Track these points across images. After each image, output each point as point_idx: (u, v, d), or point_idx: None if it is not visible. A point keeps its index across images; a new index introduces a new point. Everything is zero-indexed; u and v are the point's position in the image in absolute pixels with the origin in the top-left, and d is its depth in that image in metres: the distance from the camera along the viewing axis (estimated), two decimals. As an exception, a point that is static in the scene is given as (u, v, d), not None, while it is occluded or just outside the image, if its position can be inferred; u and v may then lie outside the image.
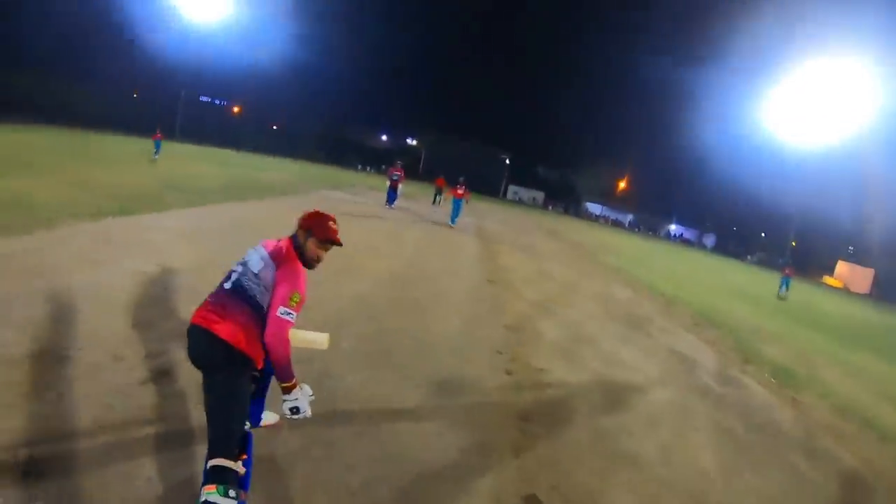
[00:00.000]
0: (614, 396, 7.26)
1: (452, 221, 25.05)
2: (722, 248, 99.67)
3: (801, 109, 63.35)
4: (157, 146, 30.39)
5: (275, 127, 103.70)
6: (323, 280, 8.72)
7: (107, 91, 72.35)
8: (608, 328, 11.21)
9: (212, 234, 11.93)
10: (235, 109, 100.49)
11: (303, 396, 3.62)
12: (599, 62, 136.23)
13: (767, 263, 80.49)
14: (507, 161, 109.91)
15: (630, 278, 20.74)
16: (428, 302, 9.90)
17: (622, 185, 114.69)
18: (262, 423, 4.39)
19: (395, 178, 27.46)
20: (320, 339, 4.22)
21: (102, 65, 72.52)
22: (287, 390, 3.54)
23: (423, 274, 12.43)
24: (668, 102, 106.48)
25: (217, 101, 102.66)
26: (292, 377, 3.53)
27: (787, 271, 30.75)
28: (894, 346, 20.30)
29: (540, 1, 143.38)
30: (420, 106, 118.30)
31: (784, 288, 30.05)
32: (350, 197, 29.44)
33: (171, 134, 54.79)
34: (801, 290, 39.12)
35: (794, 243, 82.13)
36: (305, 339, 4.15)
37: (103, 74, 72.67)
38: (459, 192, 25.89)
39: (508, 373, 7.14)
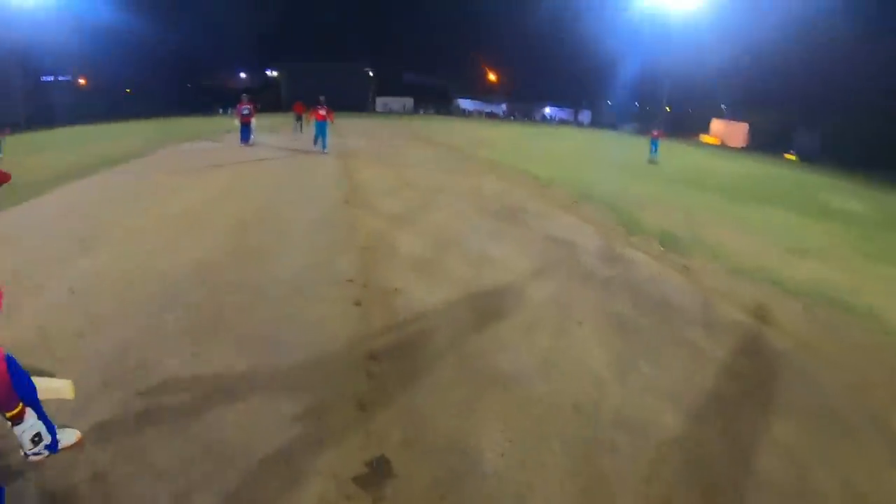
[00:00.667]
0: (483, 306, 6.30)
1: (324, 147, 22.91)
2: (598, 124, 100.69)
3: None
4: None
5: (128, 91, 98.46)
6: (156, 248, 7.66)
7: None
8: (476, 226, 10.30)
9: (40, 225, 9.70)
10: (82, 81, 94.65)
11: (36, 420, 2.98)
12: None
13: (644, 132, 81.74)
14: (371, 73, 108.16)
15: (502, 169, 19.85)
16: (273, 244, 8.54)
17: (492, 76, 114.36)
18: (60, 446, 3.43)
19: (245, 112, 25.15)
20: (64, 388, 3.63)
21: None
22: (16, 419, 2.90)
23: (272, 214, 10.90)
24: None
25: (60, 78, 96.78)
26: (17, 402, 2.89)
27: (654, 133, 29.93)
28: (780, 195, 20.00)
29: None
30: (274, 36, 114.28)
31: (654, 151, 29.25)
32: (208, 145, 26.81)
33: (16, 125, 49.47)
34: (678, 151, 39.51)
35: (668, 108, 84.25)
36: (48, 388, 3.51)
37: None
38: (321, 113, 23.24)
39: (357, 303, 6.14)
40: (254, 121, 25.54)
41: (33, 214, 10.26)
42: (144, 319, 5.56)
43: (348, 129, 38.24)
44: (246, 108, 25.10)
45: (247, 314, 5.79)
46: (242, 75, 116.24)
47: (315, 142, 23.33)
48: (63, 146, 25.73)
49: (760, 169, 33.11)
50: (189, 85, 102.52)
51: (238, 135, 25.54)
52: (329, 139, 23.55)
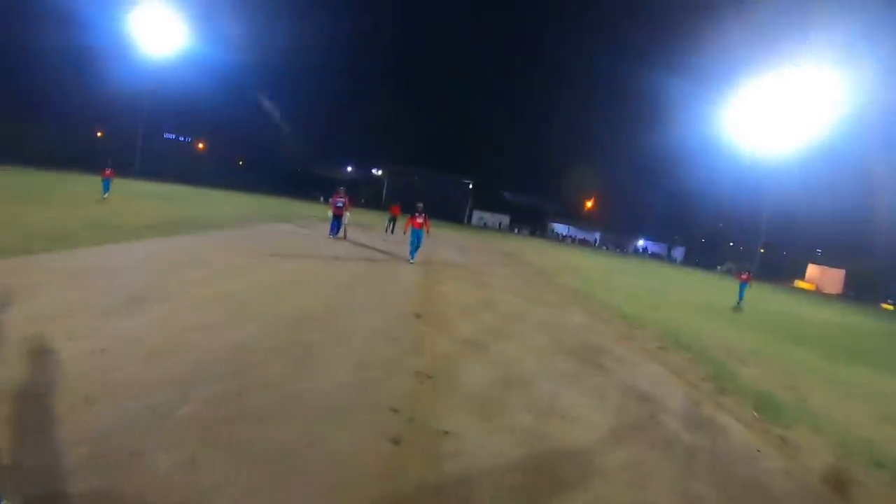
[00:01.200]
0: (542, 470, 5.32)
1: (412, 256, 21.29)
2: (691, 261, 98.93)
3: (763, 118, 64.20)
4: (106, 185, 27.68)
5: (241, 163, 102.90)
6: (200, 324, 7.36)
7: (62, 128, 71.10)
8: (551, 365, 9.37)
9: (102, 272, 10.03)
10: (200, 146, 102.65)
11: None
12: (560, 82, 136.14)
13: (737, 272, 79.85)
14: (471, 186, 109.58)
15: (588, 301, 18.97)
16: (324, 346, 7.90)
17: (588, 204, 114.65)
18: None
19: (338, 205, 25.34)
20: None
21: (56, 100, 71.46)
22: None
23: (336, 312, 10.41)
24: (631, 119, 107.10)
25: (181, 138, 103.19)
26: None
27: (743, 277, 28.10)
28: (884, 352, 18.52)
29: (498, 27, 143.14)
30: (385, 136, 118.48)
31: (740, 297, 27.33)
32: (295, 229, 27.26)
33: (129, 172, 55.77)
34: (771, 295, 37.79)
35: (762, 250, 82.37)
36: None
37: (56, 111, 71.53)
38: (418, 220, 21.52)
39: (396, 442, 5.25)
40: (347, 215, 25.66)
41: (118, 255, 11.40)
42: (158, 397, 5.10)
43: (441, 240, 38.42)
44: (340, 201, 25.29)
45: (265, 424, 5.11)
46: (349, 169, 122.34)
47: (412, 255, 21.39)
48: (163, 200, 26.76)
49: (858, 319, 31.32)
50: (299, 169, 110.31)
51: (329, 225, 25.71)
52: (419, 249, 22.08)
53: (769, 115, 64.16)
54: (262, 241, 19.61)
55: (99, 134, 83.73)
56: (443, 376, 7.56)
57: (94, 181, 28.98)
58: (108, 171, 27.78)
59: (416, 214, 21.54)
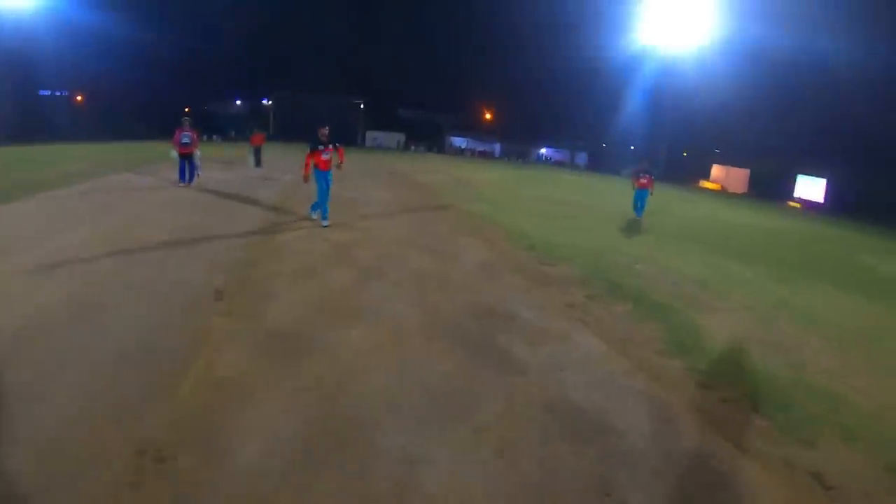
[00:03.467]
0: None
1: (322, 213, 13.70)
2: (595, 167, 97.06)
3: (660, 13, 62.58)
4: None
5: (125, 111, 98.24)
6: None
7: None
8: (420, 366, 5.69)
9: None
10: (78, 98, 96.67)
11: None
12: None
13: (634, 177, 79.16)
14: (362, 105, 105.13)
15: (484, 227, 15.21)
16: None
17: (487, 115, 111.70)
18: None
19: (184, 142, 19.75)
20: None
21: None
22: None
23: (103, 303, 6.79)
24: (522, 21, 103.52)
25: (58, 93, 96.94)
26: None
27: (641, 181, 20.65)
28: (820, 260, 16.36)
29: None
30: (270, 63, 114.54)
31: (639, 207, 20.47)
32: (135, 178, 22.38)
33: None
34: (682, 199, 35.20)
35: (662, 152, 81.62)
36: None
37: None
38: (325, 157, 13.59)
39: None
40: (197, 152, 20.23)
41: None
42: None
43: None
44: (187, 135, 19.80)
45: None
46: (238, 102, 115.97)
47: (314, 208, 14.09)
48: (12, 167, 22.68)
49: (779, 221, 28.95)
50: (187, 109, 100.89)
51: (177, 170, 20.30)
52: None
53: (665, 10, 62.70)
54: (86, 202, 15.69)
55: None
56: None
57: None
58: None
59: (322, 147, 13.55)
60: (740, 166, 72.13)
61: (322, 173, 13.63)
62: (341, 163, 14.25)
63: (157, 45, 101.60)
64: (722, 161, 76.75)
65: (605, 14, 73.90)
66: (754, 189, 63.37)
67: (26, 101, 71.28)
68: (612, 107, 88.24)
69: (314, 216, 13.96)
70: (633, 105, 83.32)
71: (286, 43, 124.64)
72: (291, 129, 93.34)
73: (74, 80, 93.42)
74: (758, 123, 65.89)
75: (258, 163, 29.73)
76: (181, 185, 19.60)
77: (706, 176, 76.37)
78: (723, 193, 62.79)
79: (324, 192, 13.59)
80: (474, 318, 7.18)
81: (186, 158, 19.83)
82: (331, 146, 13.71)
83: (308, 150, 13.56)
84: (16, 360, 5.03)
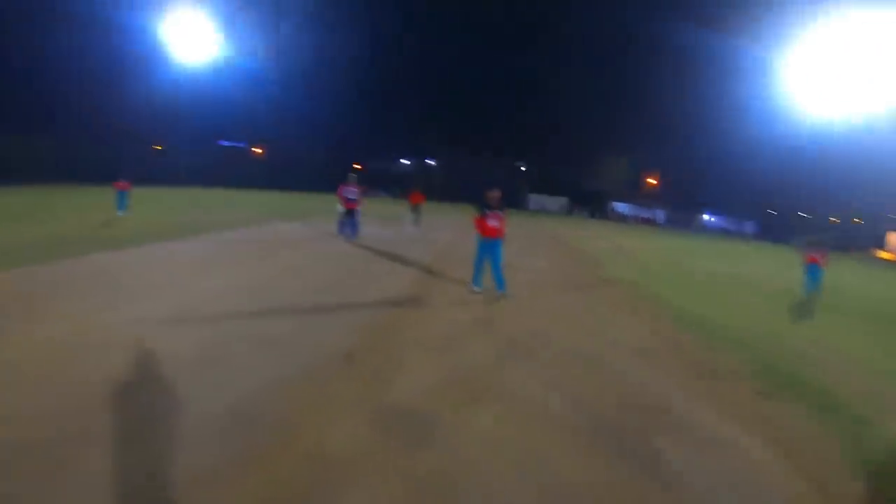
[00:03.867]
0: None
1: (476, 283, 12.65)
2: (763, 236, 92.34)
3: (830, 78, 59.76)
4: (122, 200, 22.94)
5: (300, 165, 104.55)
6: None
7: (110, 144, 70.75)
8: (549, 463, 4.89)
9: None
10: (257, 151, 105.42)
11: None
12: (609, 54, 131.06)
13: (806, 250, 74.88)
14: (524, 169, 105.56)
15: (645, 302, 14.03)
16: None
17: (651, 181, 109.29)
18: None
19: (350, 197, 20.56)
20: None
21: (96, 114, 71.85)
22: None
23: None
24: (690, 90, 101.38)
25: (237, 144, 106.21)
26: None
27: (813, 257, 17.47)
28: None
29: None
30: (437, 125, 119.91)
31: (812, 282, 17.44)
32: (298, 228, 23.23)
33: (175, 180, 59.38)
34: (867, 274, 32.35)
35: (834, 220, 76.82)
36: None
37: (86, 125, 71.52)
38: (492, 223, 12.24)
39: None
40: (360, 209, 20.97)
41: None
42: None
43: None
44: (352, 192, 20.50)
45: None
46: (405, 161, 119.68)
47: (476, 277, 12.64)
48: (183, 209, 27.33)
49: None
50: (357, 166, 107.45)
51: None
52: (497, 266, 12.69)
53: (835, 76, 59.55)
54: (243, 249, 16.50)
55: (158, 147, 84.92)
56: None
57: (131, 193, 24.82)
58: (122, 183, 23.30)
59: (488, 212, 12.29)
60: None
61: (485, 240, 12.37)
62: (503, 235, 12.60)
63: (332, 105, 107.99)
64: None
65: (771, 80, 71.20)
66: None
67: (206, 150, 77.77)
68: (781, 174, 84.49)
69: (476, 289, 12.61)
70: (800, 172, 79.37)
71: (454, 109, 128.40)
72: (454, 190, 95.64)
73: (254, 133, 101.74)
74: None
75: (416, 221, 30.06)
76: (341, 238, 20.17)
77: (881, 244, 70.54)
78: None
79: (480, 260, 12.49)
80: (625, 411, 6.30)
81: (349, 213, 20.44)
82: (499, 212, 12.34)
83: (477, 214, 12.53)
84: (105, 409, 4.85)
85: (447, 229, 30.91)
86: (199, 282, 10.91)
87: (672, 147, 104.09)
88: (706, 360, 8.92)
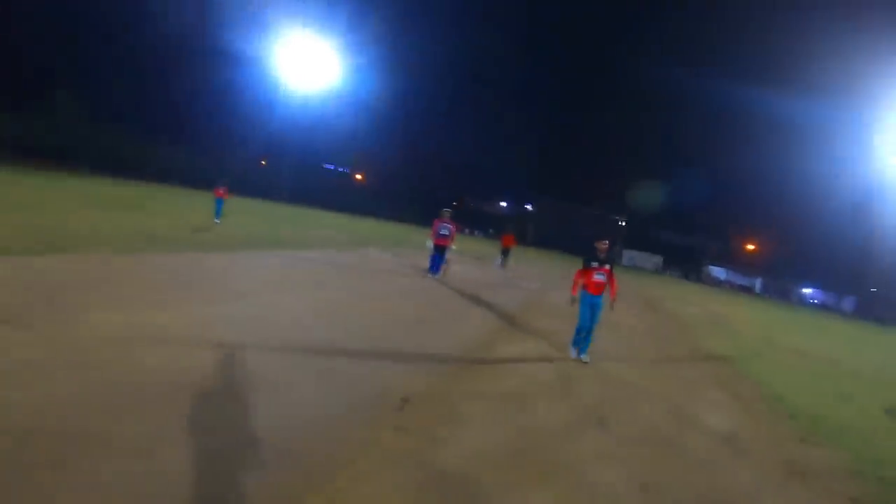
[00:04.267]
0: None
1: (582, 349, 11.45)
2: (863, 313, 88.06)
3: None
4: (218, 207, 24.32)
5: (400, 195, 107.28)
6: None
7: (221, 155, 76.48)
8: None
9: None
10: (358, 177, 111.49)
11: None
12: (711, 114, 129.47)
13: None
14: (622, 224, 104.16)
15: (737, 381, 13.11)
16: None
17: (750, 246, 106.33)
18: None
19: (442, 233, 20.00)
20: None
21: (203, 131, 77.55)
22: None
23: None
24: (792, 158, 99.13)
25: (340, 169, 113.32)
26: None
27: None
28: None
29: (656, 63, 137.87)
30: (538, 171, 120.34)
31: None
32: (386, 258, 23.25)
33: (278, 196, 64.70)
34: None
35: None
36: None
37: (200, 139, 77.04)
38: (597, 278, 11.15)
39: None
40: (453, 247, 20.46)
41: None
42: None
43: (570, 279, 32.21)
44: (445, 228, 20.03)
45: None
46: (503, 204, 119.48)
47: (575, 343, 11.58)
48: (280, 223, 27.96)
49: None
50: (455, 203, 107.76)
51: (428, 258, 20.62)
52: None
53: None
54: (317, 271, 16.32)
55: (263, 163, 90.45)
56: None
57: (230, 202, 26.14)
58: (220, 191, 24.43)
59: (596, 264, 11.21)
60: None
61: (589, 298, 11.20)
62: (613, 300, 11.56)
63: (437, 140, 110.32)
64: None
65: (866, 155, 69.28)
66: None
67: (309, 172, 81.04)
68: (882, 249, 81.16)
69: (574, 354, 11.49)
70: None
71: (557, 155, 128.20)
72: (550, 237, 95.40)
73: (357, 159, 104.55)
74: None
75: (503, 263, 30.27)
76: (429, 275, 20.12)
77: None
78: None
79: (586, 320, 11.17)
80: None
81: (440, 250, 20.04)
82: (607, 265, 11.23)
83: (581, 266, 11.33)
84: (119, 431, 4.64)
85: (536, 277, 30.51)
86: (271, 297, 10.94)
87: (776, 216, 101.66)
88: (800, 454, 8.27)
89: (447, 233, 20.08)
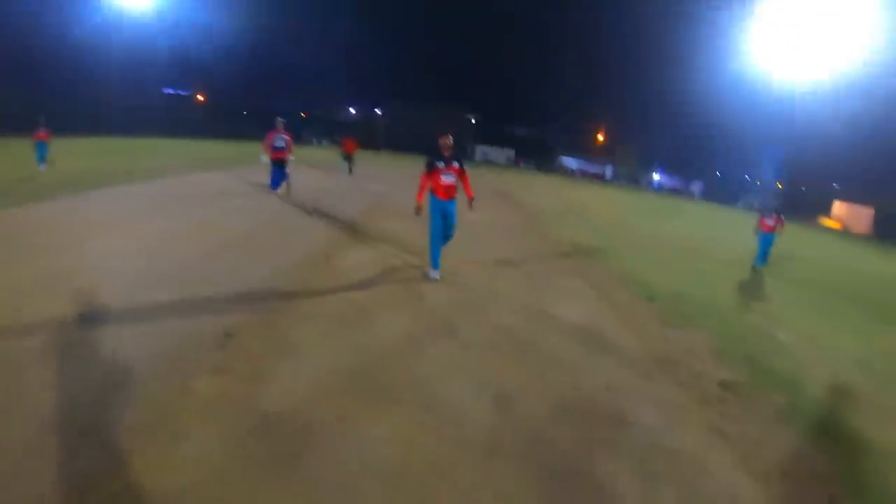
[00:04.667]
0: None
1: (433, 263, 9.81)
2: (711, 196, 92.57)
3: (783, 44, 60.17)
4: (41, 152, 19.86)
5: (245, 112, 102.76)
6: None
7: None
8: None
9: None
10: (200, 98, 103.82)
11: None
12: (565, 10, 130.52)
13: (760, 214, 75.39)
14: (473, 121, 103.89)
15: (597, 268, 12.66)
16: None
17: (600, 136, 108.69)
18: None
19: (278, 146, 17.92)
20: None
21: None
22: None
23: None
24: (642, 45, 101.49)
25: (181, 92, 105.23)
26: None
27: (767, 224, 16.15)
28: None
29: None
30: (385, 74, 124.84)
31: (762, 256, 16.28)
32: (225, 179, 21.38)
33: (116, 129, 57.66)
34: (808, 239, 31.95)
35: (779, 185, 77.21)
36: None
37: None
38: (445, 179, 9.51)
39: None
40: (291, 157, 18.53)
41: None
42: None
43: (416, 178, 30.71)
44: (281, 140, 17.98)
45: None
46: (352, 110, 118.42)
47: (434, 262, 9.84)
48: (107, 157, 25.78)
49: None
50: (303, 114, 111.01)
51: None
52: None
53: (791, 43, 59.84)
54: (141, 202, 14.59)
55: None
56: None
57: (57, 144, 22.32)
58: (41, 133, 20.09)
59: (441, 165, 9.54)
60: (863, 203, 66.06)
61: (440, 204, 9.61)
62: (471, 199, 10.35)
63: (276, 52, 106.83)
64: (842, 197, 71.26)
65: (721, 41, 71.54)
66: (880, 229, 58.80)
67: (148, 97, 76.55)
68: (728, 134, 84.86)
69: (434, 276, 9.70)
70: (749, 134, 79.78)
71: (401, 55, 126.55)
72: (402, 140, 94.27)
73: (197, 81, 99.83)
74: (884, 157, 62.12)
75: (350, 169, 28.94)
76: (272, 191, 18.30)
77: (826, 212, 70.72)
78: (843, 233, 58.35)
79: (438, 230, 9.63)
80: (565, 419, 5.03)
81: (279, 163, 18.18)
82: (455, 164, 9.60)
83: (424, 169, 9.52)
84: None
85: (384, 180, 29.39)
86: (92, 243, 9.35)
87: (624, 104, 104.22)
88: (663, 338, 7.77)
89: (283, 144, 18.09)
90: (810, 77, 59.71)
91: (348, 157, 29.15)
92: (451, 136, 9.77)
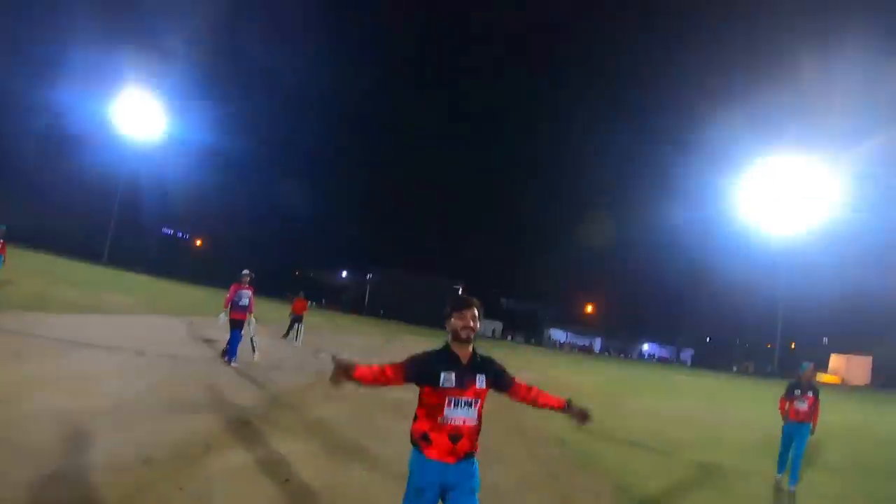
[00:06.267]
0: None
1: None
2: (701, 363, 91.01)
3: (761, 205, 61.81)
4: None
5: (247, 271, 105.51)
6: None
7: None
8: None
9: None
10: (198, 242, 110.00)
11: None
12: (554, 179, 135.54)
13: (759, 373, 74.98)
14: (461, 291, 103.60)
15: (578, 475, 9.81)
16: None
17: (588, 308, 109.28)
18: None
19: (241, 304, 15.32)
20: None
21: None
22: None
23: None
24: (627, 220, 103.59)
25: (180, 234, 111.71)
26: None
27: (799, 408, 10.08)
28: None
29: (495, 122, 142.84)
30: (376, 240, 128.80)
31: (795, 462, 10.00)
32: (175, 328, 18.94)
33: (98, 259, 62.24)
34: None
35: (768, 345, 76.40)
36: None
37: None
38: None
39: None
40: (252, 319, 15.83)
41: None
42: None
43: (410, 349, 27.58)
44: (245, 297, 15.39)
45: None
46: (343, 274, 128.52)
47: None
48: (74, 285, 25.39)
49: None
50: (297, 273, 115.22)
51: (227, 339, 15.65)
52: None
53: (771, 202, 65.25)
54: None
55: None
56: None
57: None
58: None
59: (453, 376, 4.20)
60: (861, 352, 65.76)
61: (430, 472, 4.17)
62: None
63: (278, 210, 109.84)
64: (838, 349, 71.52)
65: (710, 208, 73.37)
66: (878, 378, 56.84)
67: (143, 235, 77.43)
68: (716, 299, 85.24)
69: None
70: (736, 297, 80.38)
71: (394, 224, 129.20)
72: (391, 307, 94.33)
73: (197, 226, 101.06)
74: (867, 309, 63.64)
75: (296, 337, 24.81)
76: (228, 363, 15.16)
77: (822, 368, 68.49)
78: (844, 387, 55.85)
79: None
80: None
81: (237, 325, 15.22)
82: (481, 378, 4.34)
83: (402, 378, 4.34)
84: None
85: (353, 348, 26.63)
86: None
87: (611, 276, 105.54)
88: None
89: (247, 303, 15.41)
90: (794, 230, 63.74)
91: (297, 319, 25.08)
92: (475, 303, 4.56)
